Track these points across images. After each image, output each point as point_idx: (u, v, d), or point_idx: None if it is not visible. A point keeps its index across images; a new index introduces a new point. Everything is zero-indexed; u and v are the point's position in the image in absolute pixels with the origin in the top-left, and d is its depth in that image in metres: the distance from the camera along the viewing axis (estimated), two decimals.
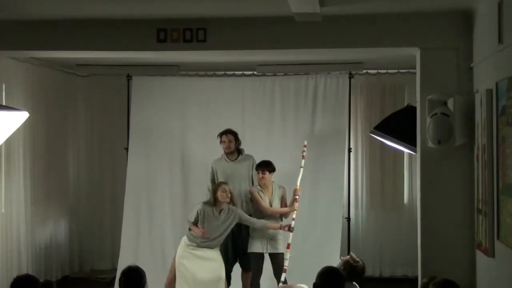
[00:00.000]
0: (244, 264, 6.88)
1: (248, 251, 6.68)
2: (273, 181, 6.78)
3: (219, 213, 6.45)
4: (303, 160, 6.79)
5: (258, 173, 6.67)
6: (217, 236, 6.44)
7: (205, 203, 6.48)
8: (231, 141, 6.86)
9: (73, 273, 8.75)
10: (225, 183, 6.58)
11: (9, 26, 6.24)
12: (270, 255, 6.72)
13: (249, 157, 6.95)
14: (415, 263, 6.09)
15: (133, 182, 7.89)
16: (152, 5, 5.69)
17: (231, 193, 6.47)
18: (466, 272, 5.59)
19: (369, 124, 8.25)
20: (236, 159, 6.91)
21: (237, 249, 6.81)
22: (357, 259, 4.91)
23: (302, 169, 6.76)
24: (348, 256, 5.00)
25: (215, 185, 6.57)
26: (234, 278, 6.95)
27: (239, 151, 6.93)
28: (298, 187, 6.69)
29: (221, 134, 6.91)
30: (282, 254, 6.64)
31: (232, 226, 6.49)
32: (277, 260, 6.68)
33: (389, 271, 8.58)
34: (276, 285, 6.64)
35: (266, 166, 6.70)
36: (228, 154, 6.90)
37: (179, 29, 6.13)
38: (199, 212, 6.42)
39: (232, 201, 6.52)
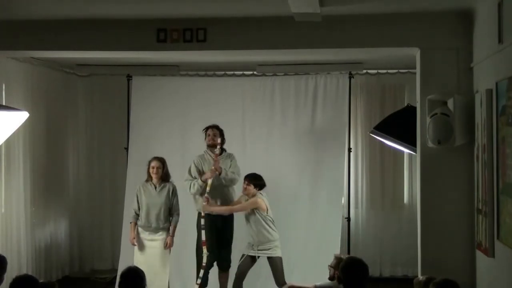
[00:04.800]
0: (222, 261, 6.81)
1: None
2: (260, 193, 6.62)
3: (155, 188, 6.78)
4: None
5: (244, 182, 6.64)
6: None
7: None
8: (216, 135, 6.82)
9: (73, 273, 8.74)
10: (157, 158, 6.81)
11: (9, 26, 6.25)
12: (268, 258, 6.65)
13: (231, 155, 6.90)
14: (415, 263, 6.10)
15: (133, 182, 7.87)
16: (152, 5, 5.69)
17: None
18: (466, 272, 5.60)
19: (369, 124, 8.25)
20: (220, 155, 6.83)
21: (222, 236, 6.78)
22: (344, 257, 4.87)
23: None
24: (334, 260, 4.93)
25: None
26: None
27: (222, 149, 6.88)
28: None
29: (207, 128, 6.89)
30: (280, 258, 6.58)
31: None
32: (274, 264, 6.60)
33: (389, 271, 8.56)
34: None
35: (249, 178, 6.64)
36: (212, 147, 6.83)
37: (179, 29, 6.14)
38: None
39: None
